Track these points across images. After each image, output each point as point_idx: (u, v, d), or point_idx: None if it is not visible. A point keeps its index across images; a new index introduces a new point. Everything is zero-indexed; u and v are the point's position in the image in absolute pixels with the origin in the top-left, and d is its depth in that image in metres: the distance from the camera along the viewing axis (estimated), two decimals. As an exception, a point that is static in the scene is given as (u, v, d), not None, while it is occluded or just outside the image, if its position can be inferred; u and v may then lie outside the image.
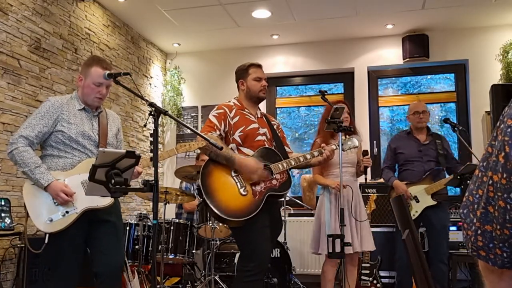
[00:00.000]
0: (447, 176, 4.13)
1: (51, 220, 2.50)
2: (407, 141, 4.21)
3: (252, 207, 2.77)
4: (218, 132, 2.91)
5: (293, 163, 2.97)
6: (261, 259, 2.78)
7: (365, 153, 3.61)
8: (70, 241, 2.57)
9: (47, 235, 2.51)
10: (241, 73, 3.12)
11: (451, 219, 4.88)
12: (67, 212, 2.53)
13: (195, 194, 4.77)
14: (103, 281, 2.64)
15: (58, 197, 2.49)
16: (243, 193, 2.79)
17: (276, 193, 2.90)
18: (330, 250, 3.16)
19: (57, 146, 2.63)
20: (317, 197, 5.53)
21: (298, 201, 5.34)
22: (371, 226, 4.54)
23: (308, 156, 3.05)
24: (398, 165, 4.26)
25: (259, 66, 3.13)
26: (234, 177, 2.83)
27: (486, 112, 5.44)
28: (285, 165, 2.93)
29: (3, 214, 3.48)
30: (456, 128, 4.00)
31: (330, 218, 3.58)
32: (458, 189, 4.17)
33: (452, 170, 4.11)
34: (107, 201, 2.59)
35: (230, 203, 2.75)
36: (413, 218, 3.93)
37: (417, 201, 3.98)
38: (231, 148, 2.94)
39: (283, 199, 4.96)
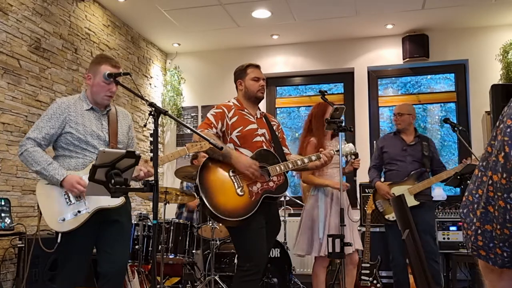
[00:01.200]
0: (431, 177, 4.14)
1: (64, 220, 2.51)
2: (393, 140, 4.26)
3: (248, 208, 2.77)
4: (214, 130, 2.91)
5: (290, 166, 2.98)
6: (258, 259, 2.79)
7: (356, 155, 3.60)
8: (80, 241, 2.58)
9: (60, 235, 2.51)
10: (239, 73, 3.13)
11: (451, 219, 4.89)
12: (79, 211, 2.53)
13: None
14: (107, 281, 2.63)
15: (74, 188, 2.49)
16: (240, 193, 2.80)
17: (272, 195, 2.90)
18: (330, 251, 3.15)
19: (68, 147, 2.63)
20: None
21: (298, 201, 5.33)
22: (371, 226, 4.56)
23: (306, 160, 3.05)
24: (384, 165, 4.28)
25: (257, 67, 3.14)
26: (232, 177, 2.83)
27: (486, 112, 5.44)
28: (282, 167, 2.94)
29: (3, 214, 3.48)
30: (456, 128, 4.00)
31: (325, 219, 3.54)
32: (458, 189, 4.17)
33: (438, 172, 4.12)
34: (118, 200, 2.58)
35: (226, 203, 2.75)
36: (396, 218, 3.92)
37: None
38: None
39: (282, 199, 4.96)
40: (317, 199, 3.63)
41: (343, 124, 3.17)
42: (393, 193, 4.02)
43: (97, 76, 2.68)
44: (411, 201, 3.97)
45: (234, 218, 2.73)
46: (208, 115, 2.98)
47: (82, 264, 2.61)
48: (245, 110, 3.05)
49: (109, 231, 2.66)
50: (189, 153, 2.96)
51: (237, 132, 2.95)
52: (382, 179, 4.31)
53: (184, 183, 5.09)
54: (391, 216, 3.99)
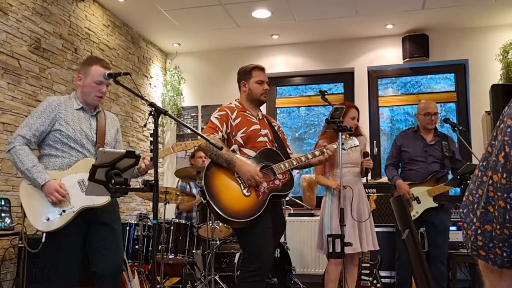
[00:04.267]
0: (450, 177, 4.10)
1: (48, 219, 2.51)
2: (413, 139, 4.15)
3: (256, 208, 2.77)
4: (220, 134, 2.91)
5: (295, 163, 2.98)
6: (264, 260, 2.79)
7: (365, 154, 3.62)
8: (67, 241, 2.58)
9: (44, 234, 2.52)
10: (244, 75, 3.12)
11: (451, 219, 4.88)
12: (64, 211, 2.53)
13: (195, 194, 4.77)
14: (103, 281, 2.64)
15: (52, 195, 2.50)
16: (247, 193, 2.80)
17: (279, 193, 2.90)
18: (330, 250, 3.17)
19: (55, 145, 2.64)
20: (318, 197, 5.55)
21: (298, 201, 5.34)
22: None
23: (310, 156, 3.05)
24: (402, 163, 4.20)
25: (262, 69, 3.13)
26: (238, 178, 2.84)
27: (486, 112, 5.44)
28: (287, 165, 2.94)
29: (3, 214, 3.48)
30: (456, 128, 3.99)
31: (331, 219, 3.59)
32: (458, 189, 4.16)
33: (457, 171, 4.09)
34: (103, 199, 2.60)
35: (233, 204, 2.75)
36: (414, 218, 3.91)
37: (419, 202, 3.96)
38: (233, 149, 2.94)
39: (283, 199, 4.96)
40: (326, 199, 3.72)
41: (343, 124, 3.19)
42: (412, 194, 3.98)
43: (88, 77, 2.72)
44: (429, 203, 3.92)
45: (243, 219, 2.73)
46: (212, 118, 2.97)
47: (73, 263, 2.61)
48: (247, 112, 3.06)
49: (99, 231, 2.67)
50: (173, 153, 2.98)
51: (242, 133, 2.95)
52: None
53: (179, 183, 5.08)
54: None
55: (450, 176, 4.14)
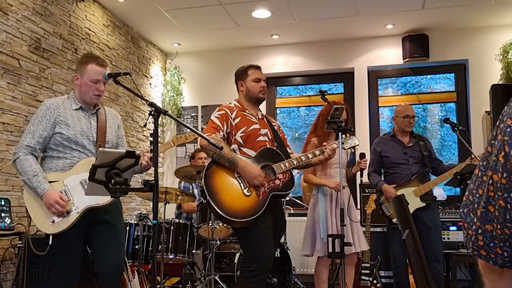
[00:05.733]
0: (431, 176, 4.13)
1: (53, 222, 2.52)
2: (392, 144, 4.18)
3: (256, 208, 2.77)
4: (221, 133, 2.92)
5: (295, 163, 2.99)
6: (264, 260, 2.79)
7: (362, 155, 3.63)
8: (70, 241, 2.58)
9: (51, 237, 2.51)
10: (240, 75, 3.13)
11: (451, 219, 4.89)
12: (68, 212, 2.54)
13: (196, 195, 4.77)
14: (104, 281, 2.64)
15: (52, 207, 2.49)
16: (247, 193, 2.80)
17: (279, 192, 2.90)
18: (330, 250, 3.16)
19: (56, 148, 2.64)
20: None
21: (298, 201, 5.34)
22: (372, 226, 4.56)
23: (310, 156, 3.06)
24: (384, 169, 4.22)
25: (257, 68, 3.15)
26: (238, 178, 2.84)
27: (486, 112, 5.44)
28: (287, 164, 2.95)
29: (3, 214, 3.48)
30: (456, 128, 3.99)
31: (326, 220, 3.56)
32: (458, 189, 4.16)
33: (437, 169, 4.12)
34: (107, 199, 2.59)
35: (234, 204, 2.75)
36: None
37: (407, 204, 3.96)
38: (233, 149, 2.94)
39: (283, 199, 4.97)
40: (317, 199, 3.65)
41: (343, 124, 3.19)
42: None
43: (85, 75, 2.69)
44: (417, 203, 3.93)
45: (243, 219, 2.73)
46: (213, 117, 2.98)
47: (75, 264, 2.61)
48: (247, 111, 3.07)
49: (100, 231, 2.67)
50: (174, 146, 2.98)
51: (241, 133, 2.96)
52: None
53: (182, 183, 5.09)
54: None
55: (431, 176, 4.17)
